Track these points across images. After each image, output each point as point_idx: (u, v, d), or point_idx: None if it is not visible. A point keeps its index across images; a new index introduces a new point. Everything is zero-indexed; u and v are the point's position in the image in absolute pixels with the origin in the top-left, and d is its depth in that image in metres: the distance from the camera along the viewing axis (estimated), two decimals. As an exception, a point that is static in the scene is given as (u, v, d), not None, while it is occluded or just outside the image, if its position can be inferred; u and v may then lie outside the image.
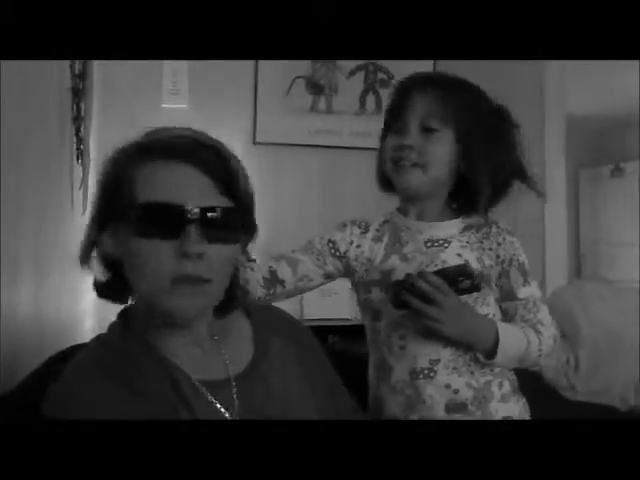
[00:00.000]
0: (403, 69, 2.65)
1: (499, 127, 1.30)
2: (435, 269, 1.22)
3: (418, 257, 1.28)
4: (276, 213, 2.66)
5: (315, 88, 2.62)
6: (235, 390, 0.97)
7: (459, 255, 1.26)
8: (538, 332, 1.25)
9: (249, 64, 2.52)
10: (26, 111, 1.71)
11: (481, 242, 1.28)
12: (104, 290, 1.01)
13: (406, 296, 1.18)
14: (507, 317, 1.30)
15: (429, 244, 1.28)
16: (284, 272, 1.32)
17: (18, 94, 1.60)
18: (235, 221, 0.95)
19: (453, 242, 1.28)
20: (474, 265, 1.25)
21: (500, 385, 1.26)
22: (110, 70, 2.37)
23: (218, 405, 0.95)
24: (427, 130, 1.25)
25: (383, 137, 1.33)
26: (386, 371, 1.28)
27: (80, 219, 1.94)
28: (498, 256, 1.28)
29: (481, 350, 1.23)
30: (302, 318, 2.51)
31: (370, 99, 2.70)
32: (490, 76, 2.81)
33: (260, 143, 2.53)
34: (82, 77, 2.19)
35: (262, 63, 2.52)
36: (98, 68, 2.33)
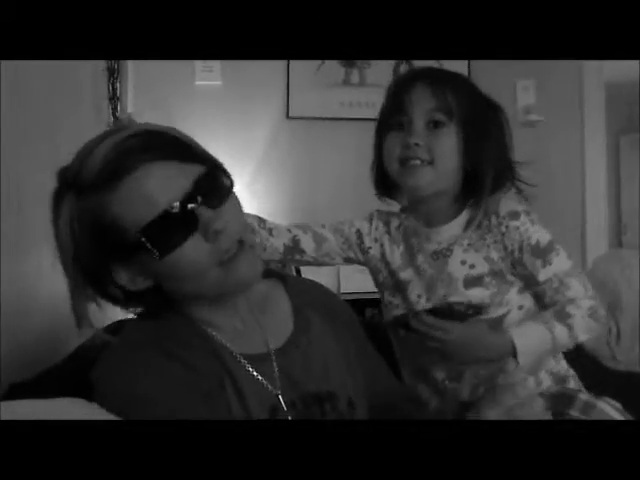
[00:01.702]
0: (436, 38, 2.64)
1: (494, 120, 1.26)
2: (427, 307, 1.19)
3: (428, 271, 1.26)
4: (310, 187, 2.66)
5: (347, 61, 2.60)
6: (275, 364, 0.99)
7: (463, 262, 1.23)
8: (569, 316, 1.18)
9: (281, 38, 2.51)
10: (60, 93, 1.72)
11: (484, 239, 1.24)
12: (147, 306, 0.98)
13: (405, 332, 1.17)
14: (540, 302, 1.25)
15: (435, 256, 1.26)
16: (308, 244, 1.33)
17: (51, 77, 1.61)
18: (219, 176, 0.91)
19: (455, 249, 1.24)
20: (480, 267, 1.22)
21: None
22: (143, 49, 2.39)
23: (260, 377, 0.96)
24: (434, 125, 1.21)
25: (381, 136, 1.27)
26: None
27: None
28: (505, 247, 1.22)
29: (502, 363, 1.17)
30: (339, 292, 2.53)
31: (404, 70, 2.67)
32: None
33: (293, 117, 2.53)
34: (116, 57, 2.21)
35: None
36: (131, 47, 2.35)
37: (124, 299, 0.93)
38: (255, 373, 0.96)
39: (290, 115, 2.54)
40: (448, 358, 1.17)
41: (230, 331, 0.99)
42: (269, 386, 0.96)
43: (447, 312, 1.14)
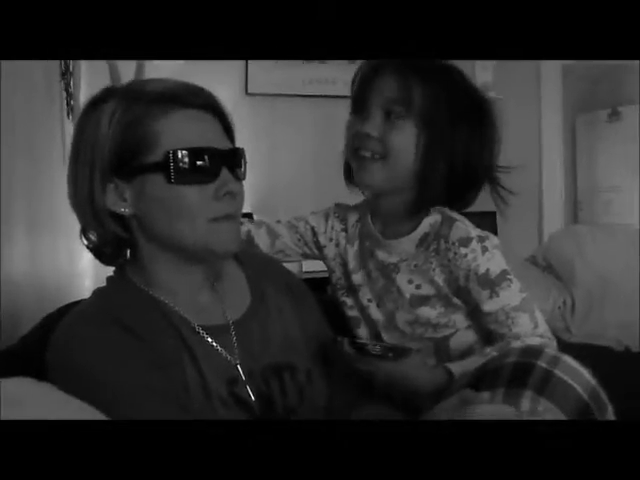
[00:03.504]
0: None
1: (473, 121, 1.15)
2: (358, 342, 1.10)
3: (380, 279, 1.22)
4: (270, 163, 2.65)
5: (307, 37, 2.58)
6: (234, 335, 0.99)
7: (410, 282, 1.18)
8: None
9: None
10: (9, 72, 1.68)
11: (430, 262, 1.16)
12: (102, 252, 1.00)
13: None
14: (485, 333, 1.18)
15: (384, 269, 1.21)
16: (261, 239, 1.31)
17: None
18: (242, 160, 1.01)
19: (402, 266, 1.18)
20: (426, 289, 1.17)
21: None
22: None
23: (219, 348, 0.97)
24: (390, 117, 1.12)
25: (349, 119, 1.20)
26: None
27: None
28: (451, 272, 1.15)
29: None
30: (301, 271, 2.53)
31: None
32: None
33: (252, 94, 2.51)
34: (69, 31, 2.14)
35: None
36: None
37: (101, 223, 0.96)
38: (214, 344, 0.97)
39: (249, 91, 2.52)
40: (383, 391, 1.11)
41: (188, 303, 0.99)
42: (228, 357, 0.97)
43: (370, 352, 1.06)
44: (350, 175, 1.21)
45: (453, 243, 1.14)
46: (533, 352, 0.92)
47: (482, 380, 0.91)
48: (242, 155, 1.01)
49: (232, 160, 0.97)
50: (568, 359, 0.90)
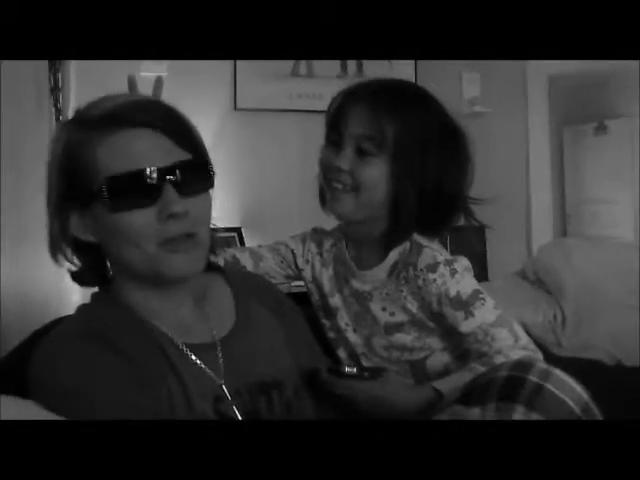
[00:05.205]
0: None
1: (445, 152, 1.15)
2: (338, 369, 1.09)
3: (355, 305, 1.22)
4: (257, 178, 2.64)
5: (295, 52, 2.59)
6: (220, 352, 0.98)
7: (384, 309, 1.18)
8: (494, 364, 1.07)
9: (227, 29, 2.48)
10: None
11: (400, 290, 1.17)
12: (82, 276, 0.99)
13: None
14: (461, 353, 1.18)
15: (358, 296, 1.22)
16: (246, 262, 1.31)
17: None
18: (202, 170, 0.95)
19: (375, 294, 1.19)
20: (400, 316, 1.17)
21: None
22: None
23: (204, 366, 0.96)
24: (361, 151, 1.13)
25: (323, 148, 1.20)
26: None
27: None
28: (423, 299, 1.15)
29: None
30: (291, 284, 2.52)
31: (351, 62, 2.68)
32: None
33: (241, 109, 2.51)
34: (57, 47, 2.15)
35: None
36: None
37: (72, 250, 0.95)
38: (199, 362, 0.95)
39: (237, 107, 2.52)
40: (366, 414, 1.09)
41: (173, 321, 0.98)
42: (213, 375, 0.96)
43: (345, 374, 1.05)
44: (325, 201, 1.21)
45: (421, 270, 1.15)
46: (524, 366, 0.91)
47: (472, 395, 0.90)
48: (198, 166, 0.94)
49: (182, 175, 0.90)
50: (559, 373, 0.90)
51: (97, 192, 0.88)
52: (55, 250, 0.96)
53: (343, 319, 1.25)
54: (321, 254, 1.30)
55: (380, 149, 1.12)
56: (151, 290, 0.96)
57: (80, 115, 0.93)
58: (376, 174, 1.13)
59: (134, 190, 0.88)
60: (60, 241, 0.95)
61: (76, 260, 0.97)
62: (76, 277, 1.00)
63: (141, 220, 0.89)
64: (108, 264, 0.96)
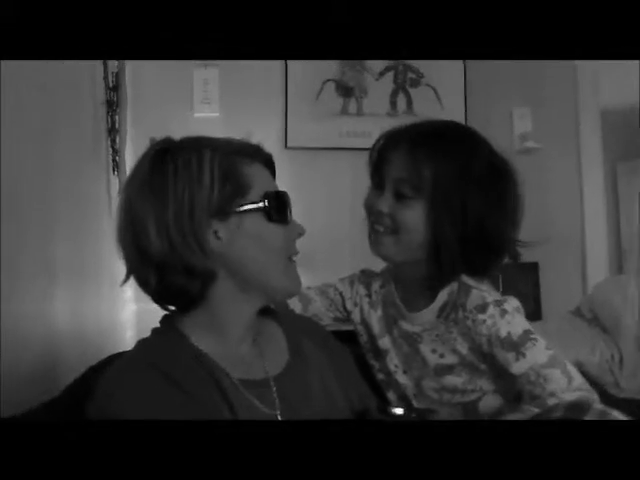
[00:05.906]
0: (433, 68, 2.67)
1: (489, 193, 1.14)
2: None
3: (404, 347, 1.23)
4: (308, 217, 2.66)
5: (345, 90, 2.62)
6: (275, 390, 0.99)
7: (434, 351, 1.19)
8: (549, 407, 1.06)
9: (278, 70, 2.53)
10: (59, 124, 1.73)
11: (450, 332, 1.17)
12: (169, 297, 1.01)
13: None
14: (514, 396, 1.16)
15: (408, 338, 1.23)
16: (295, 306, 1.34)
17: (51, 107, 1.63)
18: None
19: (425, 336, 1.20)
20: (450, 358, 1.18)
21: None
22: (142, 82, 2.41)
23: (258, 403, 0.96)
24: (400, 195, 1.15)
25: (368, 192, 1.25)
26: None
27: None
28: (473, 340, 1.15)
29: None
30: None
31: (401, 99, 2.69)
32: (522, 74, 2.80)
33: (291, 147, 2.54)
34: (115, 89, 2.22)
35: (291, 68, 2.54)
36: (130, 80, 2.37)
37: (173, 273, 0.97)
38: (252, 398, 0.96)
39: (288, 145, 2.55)
40: None
41: (230, 357, 0.99)
42: (267, 411, 0.96)
43: (393, 414, 1.03)
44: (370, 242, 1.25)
45: (471, 311, 1.15)
46: (580, 408, 0.89)
47: None
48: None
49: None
50: (617, 414, 0.87)
51: (259, 203, 1.00)
52: (144, 274, 0.98)
53: (393, 361, 1.24)
54: (370, 295, 1.30)
55: (417, 192, 1.13)
56: (233, 316, 1.01)
57: (220, 142, 1.03)
58: (414, 217, 1.14)
59: (283, 208, 1.04)
60: (165, 263, 0.96)
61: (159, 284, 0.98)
62: (162, 298, 1.01)
63: (285, 234, 1.03)
64: (215, 276, 0.99)
